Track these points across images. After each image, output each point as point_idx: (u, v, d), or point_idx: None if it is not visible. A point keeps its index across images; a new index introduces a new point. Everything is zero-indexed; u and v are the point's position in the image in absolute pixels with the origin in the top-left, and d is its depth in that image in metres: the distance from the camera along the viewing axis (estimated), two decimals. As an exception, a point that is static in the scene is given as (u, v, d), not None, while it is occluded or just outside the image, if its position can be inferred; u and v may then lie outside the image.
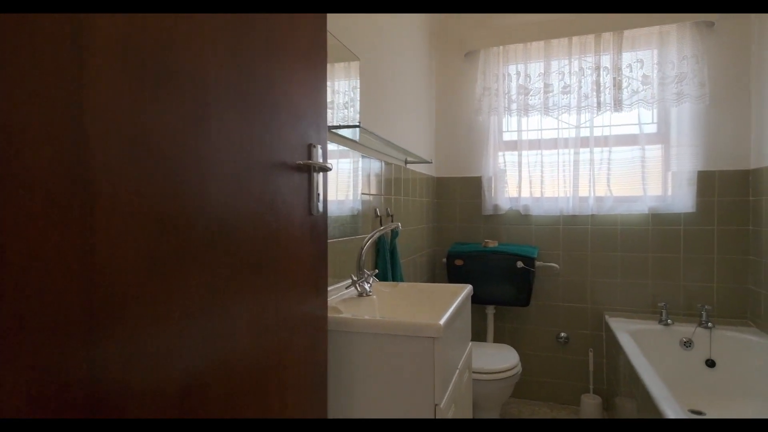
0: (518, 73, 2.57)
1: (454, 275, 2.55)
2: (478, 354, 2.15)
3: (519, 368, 2.12)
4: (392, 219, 1.97)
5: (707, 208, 2.33)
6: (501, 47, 2.59)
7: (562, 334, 2.58)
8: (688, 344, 2.24)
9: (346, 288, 1.36)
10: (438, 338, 1.05)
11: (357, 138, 1.58)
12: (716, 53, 2.31)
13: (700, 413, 2.06)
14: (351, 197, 1.53)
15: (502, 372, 2.00)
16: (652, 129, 2.45)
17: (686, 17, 2.25)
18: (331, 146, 1.40)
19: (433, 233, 2.77)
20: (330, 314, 1.16)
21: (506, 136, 2.71)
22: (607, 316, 2.45)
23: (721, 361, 2.17)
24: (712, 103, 2.31)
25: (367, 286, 1.41)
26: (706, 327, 2.22)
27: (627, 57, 2.40)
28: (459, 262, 2.55)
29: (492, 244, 2.56)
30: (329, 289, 1.37)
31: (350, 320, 1.11)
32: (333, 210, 1.40)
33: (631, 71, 2.39)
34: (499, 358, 2.11)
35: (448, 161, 2.80)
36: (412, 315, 1.42)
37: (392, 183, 2.03)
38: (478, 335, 2.72)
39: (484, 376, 1.97)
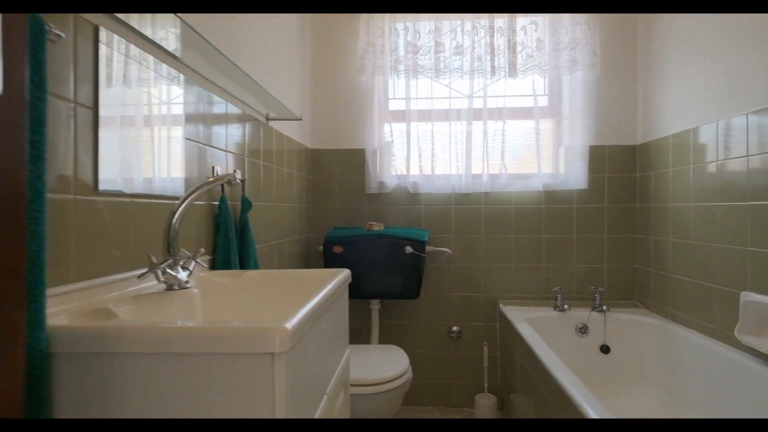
0: (406, 29, 2.22)
1: (333, 265, 2.10)
2: (360, 360, 1.73)
3: (409, 374, 1.74)
4: (244, 188, 1.45)
5: (598, 184, 2.21)
6: (387, -4, 2.21)
7: (455, 328, 2.28)
8: (583, 330, 2.07)
9: (139, 277, 0.82)
10: (282, 353, 0.58)
11: (178, 49, 1.04)
12: (607, 20, 2.19)
13: (598, 405, 1.88)
14: (161, 136, 0.98)
15: (390, 381, 1.60)
16: (544, 102, 2.27)
17: (579, -21, 2.09)
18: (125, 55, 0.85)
19: (307, 215, 2.29)
20: (77, 322, 0.62)
21: (393, 105, 2.34)
22: (501, 305, 2.21)
23: (615, 346, 2.04)
24: (603, 74, 2.19)
25: (183, 275, 0.88)
26: (600, 310, 2.08)
27: (521, 18, 2.18)
28: (338, 250, 2.11)
29: (377, 227, 2.16)
30: (107, 279, 0.82)
31: (115, 330, 0.59)
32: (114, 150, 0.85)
33: (525, 34, 2.17)
34: (387, 364, 1.70)
35: (325, 131, 2.34)
36: (253, 316, 0.93)
37: (247, 141, 1.51)
38: (360, 336, 2.30)
39: (368, 389, 1.55)
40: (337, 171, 2.33)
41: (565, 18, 2.14)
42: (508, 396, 2.07)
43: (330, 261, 2.11)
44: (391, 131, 2.26)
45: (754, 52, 1.43)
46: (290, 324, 0.61)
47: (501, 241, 2.25)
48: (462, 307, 2.28)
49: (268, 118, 1.73)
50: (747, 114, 1.46)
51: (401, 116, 2.30)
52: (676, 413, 1.73)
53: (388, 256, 2.08)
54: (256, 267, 1.38)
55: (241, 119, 1.46)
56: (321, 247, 2.18)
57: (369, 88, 2.27)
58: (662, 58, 1.98)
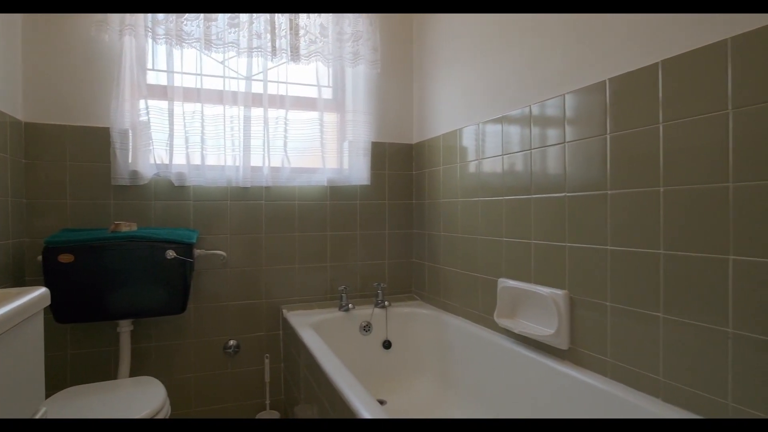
0: (167, -16, 1.81)
1: (59, 279, 1.56)
2: (99, 402, 1.29)
3: (166, 410, 1.38)
4: None
5: (380, 181, 2.22)
6: (139, -61, 1.77)
7: (232, 342, 1.98)
8: (367, 328, 2.04)
9: None
10: None
11: None
12: (386, 17, 2.23)
13: (382, 402, 1.86)
14: None
15: (135, 428, 1.22)
16: (328, 94, 2.18)
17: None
18: None
19: (19, 214, 1.66)
20: None
21: (151, 78, 1.90)
22: (284, 311, 2.01)
23: (395, 340, 2.07)
24: (384, 70, 2.21)
25: None
26: (383, 306, 2.08)
27: (303, 0, 2.03)
28: (67, 258, 1.57)
29: (128, 227, 1.70)
30: None
31: None
32: None
33: (308, 17, 2.03)
34: (133, 404, 1.31)
35: (49, 99, 1.74)
36: None
37: None
38: (106, 370, 1.79)
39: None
40: (69, 155, 1.76)
41: (348, 9, 2.08)
42: (292, 409, 1.89)
43: (54, 274, 1.56)
44: (148, 109, 1.82)
45: (507, 63, 1.59)
46: None
47: (284, 240, 2.06)
48: (241, 317, 2.00)
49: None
50: (502, 117, 1.61)
51: (162, 92, 1.88)
52: (449, 397, 1.82)
53: (143, 264, 1.65)
54: None
55: None
56: (40, 257, 1.60)
57: (116, 50, 1.78)
58: (433, 61, 2.10)
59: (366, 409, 1.04)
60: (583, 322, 1.28)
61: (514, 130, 1.54)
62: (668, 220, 1.04)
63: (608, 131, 1.18)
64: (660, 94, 1.05)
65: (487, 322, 1.70)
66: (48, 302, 0.77)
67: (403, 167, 2.27)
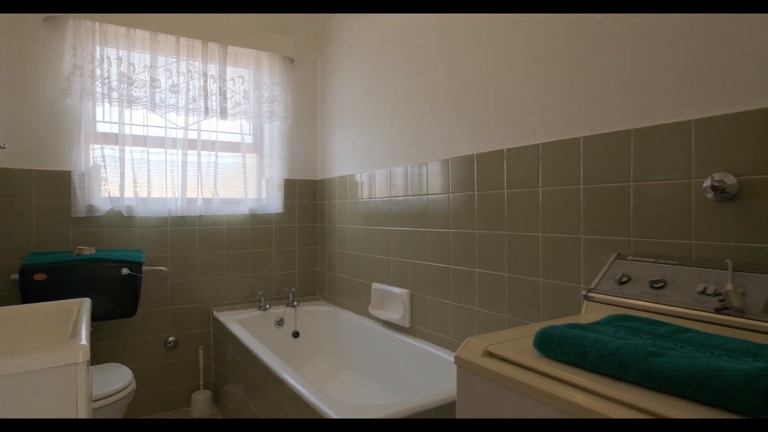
0: (120, 59, 2.31)
1: (34, 295, 2.01)
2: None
3: (133, 385, 1.93)
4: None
5: (291, 209, 2.87)
6: (97, 24, 2.25)
7: (171, 338, 2.51)
8: (280, 323, 2.68)
9: None
10: (83, 362, 0.86)
11: None
12: (297, 83, 2.89)
13: (292, 377, 2.51)
14: None
15: (116, 393, 1.77)
16: (250, 140, 2.78)
17: (274, 49, 2.69)
18: None
19: (-6, 242, 2.07)
20: None
21: (105, 128, 2.37)
22: (215, 312, 2.58)
23: (303, 330, 2.73)
24: (294, 123, 2.86)
25: None
26: (293, 306, 2.73)
27: (231, 71, 2.62)
28: (40, 277, 2.03)
29: (88, 251, 2.18)
30: None
31: None
32: None
33: (234, 84, 2.62)
34: (111, 379, 1.84)
35: (19, 149, 2.17)
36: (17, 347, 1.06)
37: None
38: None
39: (96, 403, 1.68)
40: (35, 193, 2.20)
41: (266, 77, 2.71)
42: (221, 388, 2.47)
43: (30, 290, 2.01)
44: (103, 154, 2.30)
45: (377, 131, 2.33)
46: (83, 341, 0.88)
47: (214, 257, 2.63)
48: (178, 318, 2.53)
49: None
50: (375, 169, 2.35)
51: (114, 139, 2.37)
52: (342, 369, 2.52)
53: (104, 280, 2.15)
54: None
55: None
56: (16, 275, 2.04)
57: (76, 111, 2.25)
58: (334, 120, 2.80)
59: (285, 372, 1.68)
60: (418, 309, 2.05)
61: (385, 180, 2.29)
62: (480, 252, 1.83)
63: (463, 191, 1.97)
64: (505, 171, 1.85)
65: (366, 314, 2.43)
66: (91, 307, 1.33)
67: (309, 198, 2.94)
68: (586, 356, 0.73)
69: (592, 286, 1.15)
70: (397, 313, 2.14)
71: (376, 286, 2.30)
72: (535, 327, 0.96)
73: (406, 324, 2.08)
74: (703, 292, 0.95)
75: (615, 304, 1.07)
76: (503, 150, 1.62)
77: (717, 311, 0.89)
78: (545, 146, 1.47)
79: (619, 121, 1.27)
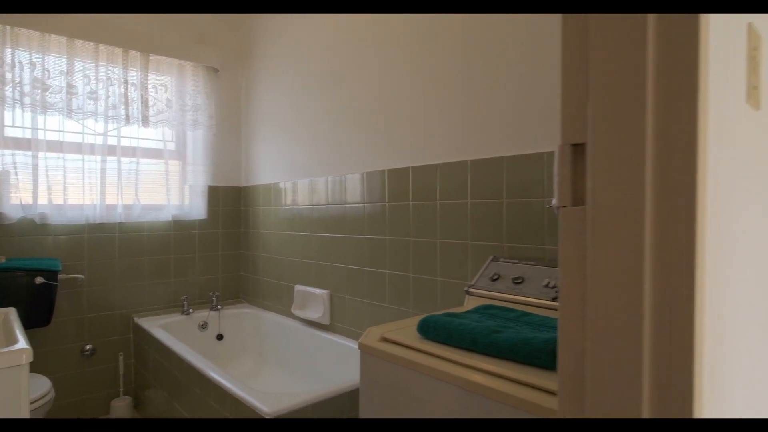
0: (33, 64, 2.27)
1: (-63, 305, 1.94)
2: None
3: (52, 394, 1.93)
4: None
5: (215, 215, 2.94)
6: (8, 27, 2.20)
7: (88, 347, 2.49)
8: (204, 326, 2.75)
9: None
10: (26, 364, 0.96)
11: None
12: (221, 92, 2.96)
13: (216, 378, 2.60)
14: None
15: (34, 403, 1.78)
16: (173, 147, 2.82)
17: (197, 59, 2.76)
18: None
19: None
20: None
21: (17, 132, 2.31)
22: (135, 318, 2.60)
23: (226, 333, 2.82)
24: (218, 131, 2.94)
25: None
26: (216, 309, 2.81)
27: (153, 78, 2.65)
28: (-55, 287, 1.96)
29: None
30: None
31: None
32: None
33: (156, 92, 2.65)
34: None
35: None
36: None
37: None
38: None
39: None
40: (-65, 199, 2.10)
41: (189, 86, 2.76)
42: (143, 393, 2.50)
43: (-68, 301, 1.93)
44: (14, 161, 2.24)
45: (301, 142, 2.50)
46: (25, 345, 0.98)
47: (135, 263, 2.64)
48: (96, 326, 2.52)
49: None
50: (299, 179, 2.52)
51: (27, 145, 2.31)
52: (266, 368, 2.65)
53: (16, 289, 2.11)
54: None
55: None
56: None
57: (-17, 114, 2.17)
58: (257, 129, 2.91)
59: (211, 370, 1.80)
60: (337, 307, 2.25)
61: (308, 189, 2.46)
62: (390, 256, 2.06)
63: (375, 201, 2.18)
64: (410, 187, 2.07)
65: (289, 314, 2.59)
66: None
67: (234, 204, 3.03)
68: (451, 336, 0.98)
69: (472, 283, 1.42)
70: (317, 312, 2.32)
71: (298, 287, 2.47)
72: (423, 317, 1.20)
73: (326, 322, 2.28)
74: (546, 286, 1.25)
75: (487, 297, 1.35)
76: (409, 168, 1.87)
77: (553, 299, 1.19)
78: (442, 166, 1.74)
79: (495, 149, 1.57)
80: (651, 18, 0.52)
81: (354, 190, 2.16)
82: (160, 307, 2.73)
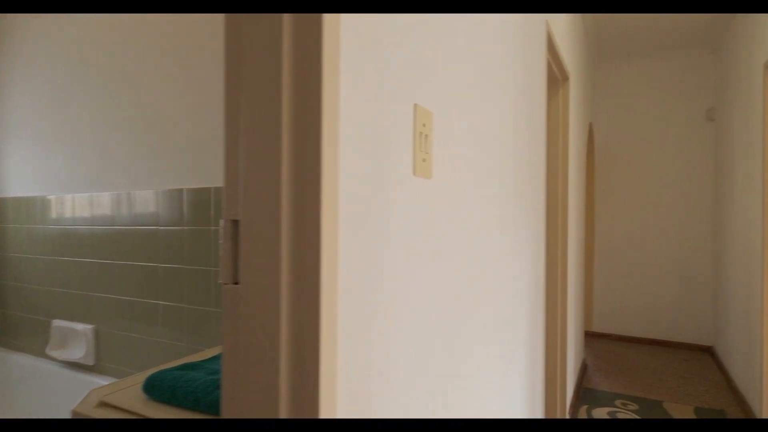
0: None
1: None
2: None
3: None
4: None
5: (-61, 235, 2.30)
6: None
7: None
8: None
9: None
10: None
11: None
12: (-54, 82, 2.33)
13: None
14: None
15: None
16: None
17: None
18: None
19: None
20: None
21: None
22: None
23: (-43, 385, 2.23)
24: (-57, 130, 2.31)
25: None
26: (-60, 356, 2.20)
27: None
28: None
29: None
30: None
31: None
32: None
33: None
34: None
35: None
36: None
37: None
38: None
39: None
40: None
41: None
42: None
43: None
44: None
45: (63, 152, 2.11)
46: None
47: None
48: None
49: None
50: (64, 193, 2.12)
51: None
52: (12, 423, 2.17)
53: None
54: None
55: None
56: None
57: None
58: (5, 134, 2.37)
59: None
60: (104, 345, 1.96)
61: (70, 206, 2.09)
62: (163, 284, 1.84)
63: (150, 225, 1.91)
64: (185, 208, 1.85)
65: (45, 355, 2.16)
66: None
67: (-30, 220, 2.41)
68: (175, 394, 0.90)
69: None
70: (80, 351, 1.99)
71: (56, 323, 2.08)
72: (151, 373, 1.10)
73: (91, 362, 1.97)
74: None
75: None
76: (183, 189, 1.73)
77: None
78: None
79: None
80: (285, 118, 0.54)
81: (123, 212, 1.90)
82: None
